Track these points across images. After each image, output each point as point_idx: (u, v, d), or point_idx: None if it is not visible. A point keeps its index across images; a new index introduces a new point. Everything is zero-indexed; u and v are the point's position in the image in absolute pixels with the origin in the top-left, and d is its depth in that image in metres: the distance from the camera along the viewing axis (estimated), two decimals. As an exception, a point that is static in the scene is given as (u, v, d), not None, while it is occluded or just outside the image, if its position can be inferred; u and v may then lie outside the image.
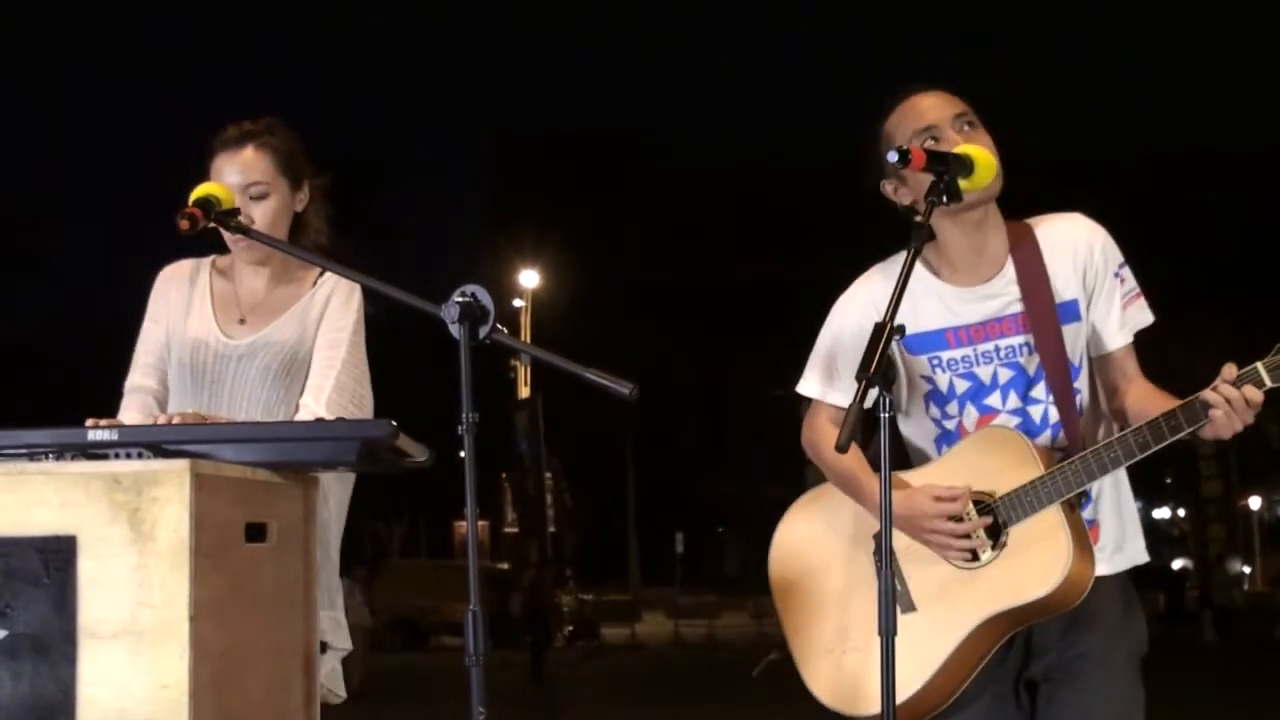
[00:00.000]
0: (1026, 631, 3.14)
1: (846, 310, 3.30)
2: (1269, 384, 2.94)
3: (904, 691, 3.04)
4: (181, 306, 3.44)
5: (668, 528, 39.72)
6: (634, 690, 18.43)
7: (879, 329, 2.79)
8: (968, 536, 3.11)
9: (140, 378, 3.43)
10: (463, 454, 2.72)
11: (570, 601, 30.01)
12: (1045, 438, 3.16)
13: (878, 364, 2.74)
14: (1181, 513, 52.64)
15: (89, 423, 2.99)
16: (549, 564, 24.76)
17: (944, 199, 2.94)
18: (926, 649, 3.13)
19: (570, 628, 28.84)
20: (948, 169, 2.95)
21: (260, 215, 3.34)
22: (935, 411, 3.24)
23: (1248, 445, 39.13)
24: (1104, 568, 3.15)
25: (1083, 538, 3.08)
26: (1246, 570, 49.03)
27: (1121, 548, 3.21)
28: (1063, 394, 3.15)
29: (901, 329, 2.86)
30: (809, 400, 3.37)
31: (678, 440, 46.32)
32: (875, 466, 3.16)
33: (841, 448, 2.74)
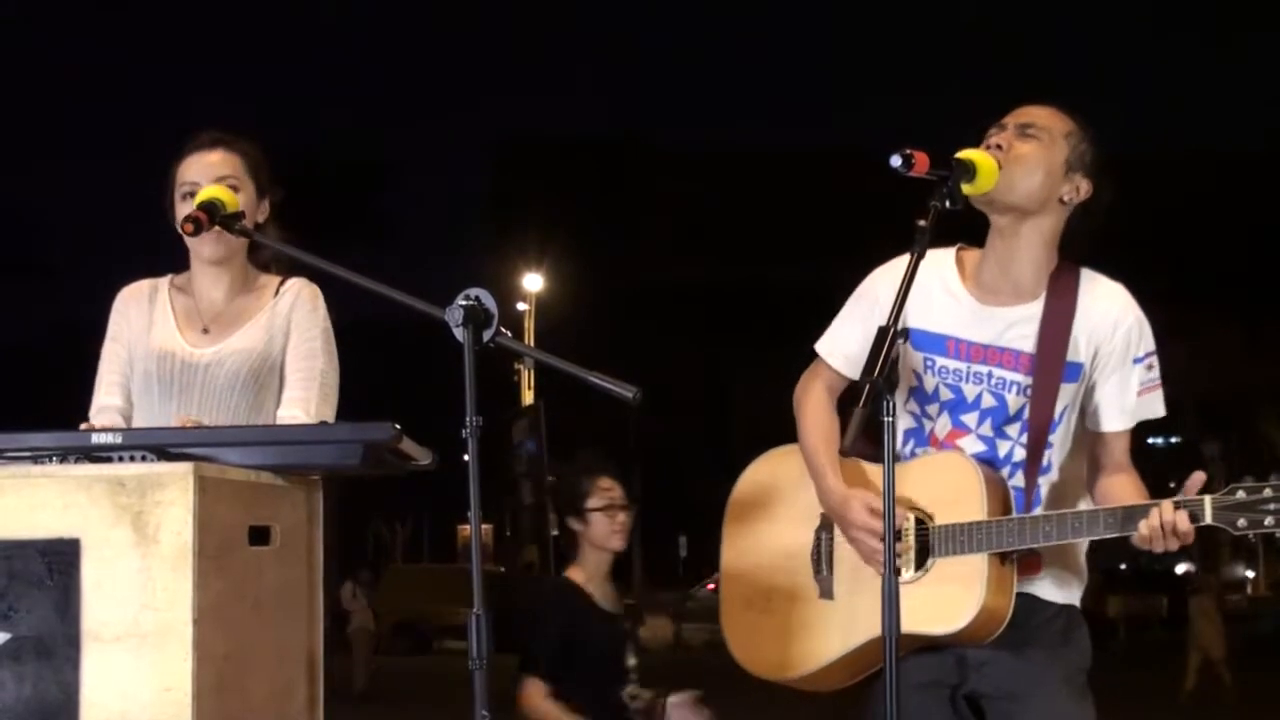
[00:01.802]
0: (959, 648, 3.14)
1: (877, 283, 3.27)
2: (1208, 520, 2.90)
3: (803, 668, 3.25)
4: (143, 323, 3.43)
5: (670, 531, 39.65)
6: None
7: (882, 332, 2.79)
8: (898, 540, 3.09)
9: (106, 396, 3.42)
10: (467, 457, 2.72)
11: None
12: (1005, 473, 3.16)
13: (881, 367, 2.74)
14: (1184, 516, 52.50)
15: (83, 427, 2.99)
16: (533, 568, 24.70)
17: (945, 202, 2.93)
18: (833, 638, 3.21)
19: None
20: (950, 172, 2.95)
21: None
22: (915, 407, 3.25)
23: (1250, 447, 39.10)
24: (1043, 594, 3.17)
25: (1003, 586, 3.07)
26: (1249, 574, 48.98)
27: (1061, 586, 3.21)
28: (1035, 442, 3.15)
29: (906, 332, 2.85)
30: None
31: (681, 442, 46.24)
32: (864, 453, 3.17)
33: (845, 452, 2.74)
